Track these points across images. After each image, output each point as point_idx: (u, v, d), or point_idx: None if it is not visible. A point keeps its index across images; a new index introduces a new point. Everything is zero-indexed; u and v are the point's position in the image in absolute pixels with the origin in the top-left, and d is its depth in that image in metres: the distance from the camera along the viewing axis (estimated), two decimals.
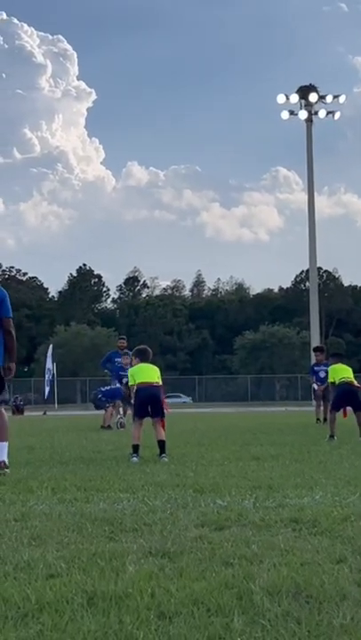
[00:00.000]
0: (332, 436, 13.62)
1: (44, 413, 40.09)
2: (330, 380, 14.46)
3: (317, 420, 20.34)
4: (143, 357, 11.11)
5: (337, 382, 14.06)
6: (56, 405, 49.46)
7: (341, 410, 14.35)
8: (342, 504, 6.17)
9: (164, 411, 10.77)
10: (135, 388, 10.84)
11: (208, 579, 3.96)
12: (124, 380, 19.14)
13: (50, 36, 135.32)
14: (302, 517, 5.56)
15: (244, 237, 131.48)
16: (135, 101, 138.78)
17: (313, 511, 5.78)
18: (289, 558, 4.37)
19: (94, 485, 7.52)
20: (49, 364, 46.22)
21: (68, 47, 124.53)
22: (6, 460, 8.79)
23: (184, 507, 6.17)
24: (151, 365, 11.02)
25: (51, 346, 50.49)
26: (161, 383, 10.95)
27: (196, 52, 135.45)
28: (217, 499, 6.50)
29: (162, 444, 10.48)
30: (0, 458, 8.75)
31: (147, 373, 10.83)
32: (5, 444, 8.87)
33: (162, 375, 11.17)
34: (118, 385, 19.47)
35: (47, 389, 45.86)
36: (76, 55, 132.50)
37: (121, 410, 19.57)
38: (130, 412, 14.43)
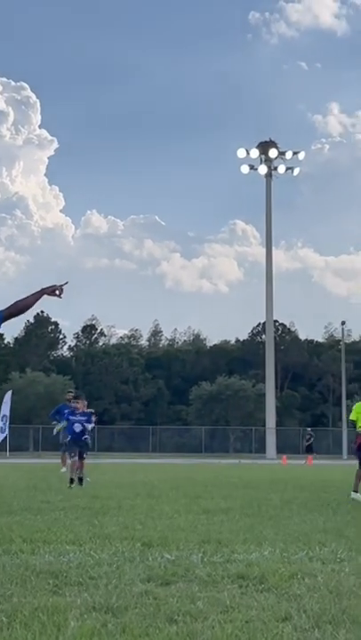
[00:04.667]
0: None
1: None
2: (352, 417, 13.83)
3: None
4: None
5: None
6: (7, 453, 48.67)
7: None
8: (290, 560, 6.15)
9: None
10: None
11: (151, 635, 3.91)
12: (77, 428, 19.15)
13: (13, 83, 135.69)
14: (249, 573, 5.53)
15: (203, 288, 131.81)
16: (96, 151, 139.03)
17: (260, 567, 5.75)
18: (234, 615, 4.34)
19: (41, 537, 7.41)
20: (5, 410, 45.50)
21: (32, 95, 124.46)
22: None
23: (131, 560, 6.10)
24: None
25: (10, 392, 49.83)
26: None
27: (158, 104, 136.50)
28: (165, 553, 6.45)
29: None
30: None
31: None
32: None
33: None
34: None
35: (2, 436, 45.10)
36: (39, 103, 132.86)
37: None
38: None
